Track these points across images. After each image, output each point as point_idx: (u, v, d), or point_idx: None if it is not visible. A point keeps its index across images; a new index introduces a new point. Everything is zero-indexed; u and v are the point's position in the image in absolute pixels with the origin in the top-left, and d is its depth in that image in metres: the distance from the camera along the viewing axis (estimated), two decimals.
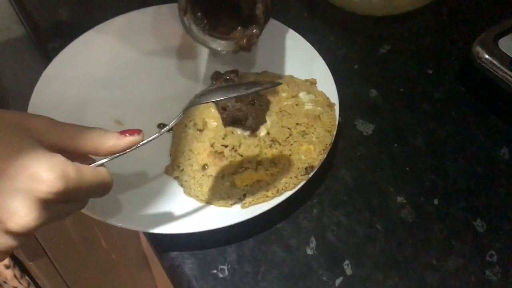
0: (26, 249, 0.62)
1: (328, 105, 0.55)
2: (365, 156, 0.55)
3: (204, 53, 0.62)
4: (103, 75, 0.60)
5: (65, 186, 0.33)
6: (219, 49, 0.53)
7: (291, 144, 0.51)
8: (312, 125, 0.52)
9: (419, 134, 0.57)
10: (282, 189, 0.49)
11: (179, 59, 0.62)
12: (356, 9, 0.67)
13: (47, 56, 0.61)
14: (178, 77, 0.61)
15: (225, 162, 0.50)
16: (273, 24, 0.62)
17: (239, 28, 0.53)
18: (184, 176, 0.51)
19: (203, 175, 0.50)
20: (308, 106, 0.54)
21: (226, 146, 0.51)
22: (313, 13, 0.68)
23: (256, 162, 0.50)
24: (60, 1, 0.67)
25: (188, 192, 0.50)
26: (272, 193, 0.49)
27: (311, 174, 0.50)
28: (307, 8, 0.69)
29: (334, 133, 0.52)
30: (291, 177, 0.49)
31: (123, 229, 0.47)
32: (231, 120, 0.53)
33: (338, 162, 0.54)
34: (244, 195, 0.49)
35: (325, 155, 0.51)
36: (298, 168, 0.50)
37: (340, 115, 0.57)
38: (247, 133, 0.52)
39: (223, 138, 0.52)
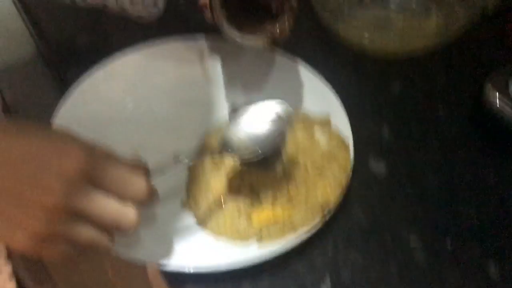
0: (32, 275, 0.61)
1: (343, 144, 0.55)
2: (378, 195, 0.55)
3: (221, 83, 0.63)
4: (120, 104, 0.60)
5: (92, 166, 0.34)
6: (251, 43, 0.53)
7: (307, 183, 0.52)
8: (328, 164, 0.53)
9: (432, 174, 0.57)
10: (299, 228, 0.49)
11: (197, 89, 0.63)
12: (369, 50, 0.68)
13: (65, 83, 0.61)
14: (195, 107, 0.61)
15: (241, 198, 0.51)
16: (288, 58, 0.64)
17: (269, 22, 0.53)
18: (201, 210, 0.51)
19: (219, 211, 0.51)
20: (324, 145, 0.55)
21: (242, 182, 0.52)
22: (326, 51, 0.70)
23: (272, 199, 0.50)
24: (77, 29, 0.68)
25: (204, 227, 0.51)
26: (288, 231, 0.49)
27: (327, 213, 0.50)
28: (320, 46, 0.70)
29: (350, 172, 0.53)
30: (307, 216, 0.49)
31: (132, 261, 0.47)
32: None
33: (352, 201, 0.55)
34: (260, 232, 0.49)
35: (340, 195, 0.51)
36: (314, 207, 0.50)
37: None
38: (263, 169, 0.53)
39: (240, 174, 0.52)
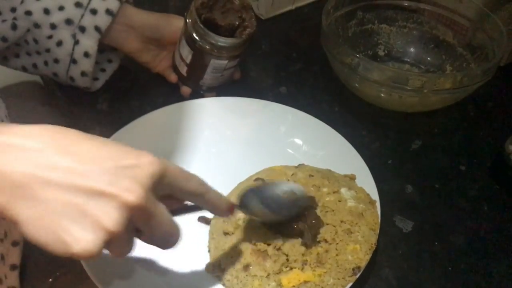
0: None
1: (369, 202, 0.55)
2: (406, 254, 0.55)
3: (242, 145, 0.64)
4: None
5: (161, 173, 0.36)
6: (233, 41, 0.61)
7: (337, 243, 0.51)
8: (356, 223, 0.52)
9: (458, 232, 0.57)
10: None
11: (219, 149, 0.64)
12: (386, 106, 0.69)
13: None
14: (217, 168, 0.61)
15: (269, 262, 0.50)
16: (308, 118, 0.64)
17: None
18: (227, 275, 0.50)
19: (246, 275, 0.49)
20: (351, 203, 0.54)
21: (269, 244, 0.51)
22: (344, 107, 0.71)
23: (302, 262, 0.49)
24: (100, 92, 0.69)
25: None
26: None
27: (358, 275, 0.49)
28: (338, 103, 0.71)
29: (378, 231, 0.52)
30: (338, 278, 0.48)
31: None
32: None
33: (381, 260, 0.54)
34: None
35: (370, 255, 0.50)
36: (346, 269, 0.49)
37: None
38: (289, 233, 0.52)
39: (266, 237, 0.51)
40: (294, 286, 0.48)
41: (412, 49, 0.78)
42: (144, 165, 0.35)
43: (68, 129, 0.36)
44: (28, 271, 0.56)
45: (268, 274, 0.49)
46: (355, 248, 0.50)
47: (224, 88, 0.69)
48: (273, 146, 0.64)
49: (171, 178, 0.37)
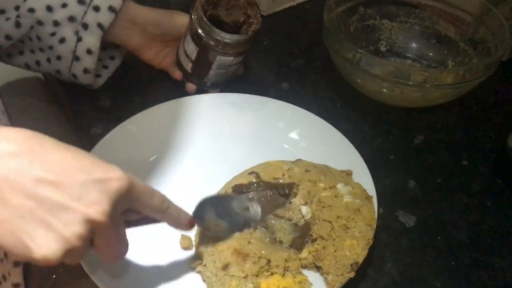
0: None
1: (366, 198, 0.55)
2: (409, 249, 0.55)
3: (239, 140, 0.64)
4: (142, 161, 0.60)
5: (128, 189, 0.37)
6: (238, 38, 0.61)
7: (334, 239, 0.50)
8: (353, 219, 0.52)
9: (461, 227, 0.57)
10: None
11: (217, 144, 0.64)
12: (388, 101, 0.69)
13: (90, 141, 0.62)
14: (214, 162, 0.62)
15: (248, 263, 0.48)
16: (307, 115, 0.65)
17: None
18: (207, 272, 0.49)
19: (225, 274, 0.48)
20: (347, 199, 0.54)
21: (252, 249, 0.50)
22: (346, 103, 0.70)
23: (284, 268, 0.49)
24: (103, 90, 0.69)
25: None
26: None
27: (356, 270, 0.49)
28: (339, 99, 0.71)
29: (375, 227, 0.52)
30: (337, 275, 0.48)
31: None
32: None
33: (384, 255, 0.54)
34: None
35: (367, 250, 0.50)
36: (344, 265, 0.49)
37: (381, 206, 0.57)
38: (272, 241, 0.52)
39: (249, 240, 0.50)
40: None
41: (414, 45, 0.78)
42: (113, 180, 0.36)
43: (45, 136, 0.36)
44: (31, 268, 0.56)
45: (246, 276, 0.48)
46: (352, 243, 0.50)
47: (226, 85, 0.69)
48: (271, 141, 0.64)
49: (136, 194, 0.39)
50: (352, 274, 0.49)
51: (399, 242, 0.55)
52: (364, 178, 0.57)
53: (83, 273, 0.49)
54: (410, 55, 0.77)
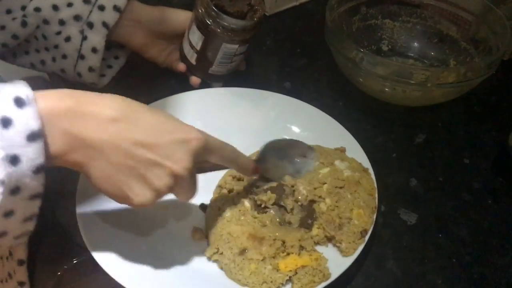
0: None
1: (363, 170, 0.57)
2: (410, 246, 0.55)
3: (245, 132, 0.65)
4: None
5: (205, 146, 0.44)
6: (244, 24, 0.62)
7: (341, 211, 0.53)
8: (355, 191, 0.55)
9: (462, 224, 0.57)
10: (328, 274, 0.49)
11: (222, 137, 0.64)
12: (390, 100, 0.69)
13: None
14: None
15: (265, 246, 0.51)
16: (290, 100, 0.67)
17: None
18: (224, 259, 0.51)
19: (243, 259, 0.50)
20: (347, 173, 0.56)
21: (266, 231, 0.52)
22: (348, 102, 0.71)
23: (298, 247, 0.51)
24: (108, 89, 0.69)
25: (229, 276, 0.50)
26: (319, 278, 0.49)
27: (367, 237, 0.51)
28: (342, 98, 0.72)
29: (376, 196, 0.55)
30: (349, 242, 0.51)
31: None
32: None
33: (385, 253, 0.54)
34: (289, 280, 0.49)
35: (374, 218, 0.53)
36: (354, 233, 0.51)
37: (383, 204, 0.58)
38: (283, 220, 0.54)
39: (263, 223, 0.53)
40: (291, 270, 0.49)
41: (415, 44, 0.78)
42: (193, 140, 0.43)
43: (133, 101, 0.42)
44: (36, 265, 0.57)
45: (264, 258, 0.50)
46: (359, 212, 0.53)
47: (230, 85, 0.69)
48: (266, 131, 0.64)
49: (211, 149, 0.46)
50: (363, 241, 0.51)
51: (400, 239, 0.56)
52: (356, 153, 0.60)
53: (87, 271, 0.50)
54: (412, 55, 0.78)
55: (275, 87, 0.72)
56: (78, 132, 0.39)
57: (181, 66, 0.70)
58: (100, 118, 0.40)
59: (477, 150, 0.66)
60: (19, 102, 0.36)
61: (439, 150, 0.66)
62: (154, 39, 0.67)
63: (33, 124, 0.36)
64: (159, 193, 0.43)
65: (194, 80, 0.70)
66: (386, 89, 0.67)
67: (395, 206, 0.59)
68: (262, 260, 0.50)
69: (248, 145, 0.62)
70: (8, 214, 0.37)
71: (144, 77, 0.72)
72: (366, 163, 0.59)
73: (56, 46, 0.63)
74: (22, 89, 0.37)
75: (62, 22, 0.61)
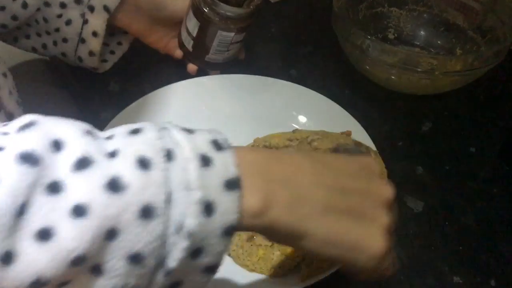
0: None
1: (370, 150, 0.57)
2: (417, 234, 0.55)
3: (246, 119, 0.65)
4: None
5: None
6: (241, 12, 0.62)
7: None
8: None
9: (469, 212, 0.57)
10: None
11: (223, 126, 0.63)
12: (397, 88, 0.69)
13: (99, 125, 0.62)
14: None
15: None
16: (293, 86, 0.67)
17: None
18: (232, 245, 0.51)
19: (251, 245, 0.50)
20: None
21: None
22: (354, 90, 0.71)
23: None
24: (112, 75, 0.69)
25: (237, 262, 0.50)
26: (327, 265, 0.49)
27: None
28: (348, 85, 0.71)
29: (386, 176, 0.55)
30: None
31: None
32: None
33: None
34: (297, 266, 0.49)
35: None
36: None
37: None
38: None
39: None
40: (298, 256, 0.49)
41: (422, 33, 0.78)
42: (376, 167, 0.38)
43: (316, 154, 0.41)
44: None
45: (272, 244, 0.50)
46: None
47: (234, 72, 0.69)
48: (271, 118, 0.65)
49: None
50: None
51: (407, 227, 0.56)
52: (363, 140, 0.59)
53: None
54: (418, 43, 0.77)
55: (280, 75, 0.72)
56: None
57: (178, 53, 0.69)
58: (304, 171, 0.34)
59: (484, 139, 0.66)
60: (216, 145, 0.31)
61: (445, 138, 0.65)
62: (154, 25, 0.66)
63: (232, 170, 0.30)
64: (387, 230, 0.35)
65: (191, 67, 0.69)
66: (393, 77, 0.67)
67: (401, 194, 0.58)
68: (270, 246, 0.50)
69: (254, 132, 0.62)
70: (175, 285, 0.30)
71: (148, 64, 0.72)
72: (372, 146, 0.58)
73: (57, 30, 0.62)
74: (218, 134, 0.32)
75: (63, 5, 0.60)
